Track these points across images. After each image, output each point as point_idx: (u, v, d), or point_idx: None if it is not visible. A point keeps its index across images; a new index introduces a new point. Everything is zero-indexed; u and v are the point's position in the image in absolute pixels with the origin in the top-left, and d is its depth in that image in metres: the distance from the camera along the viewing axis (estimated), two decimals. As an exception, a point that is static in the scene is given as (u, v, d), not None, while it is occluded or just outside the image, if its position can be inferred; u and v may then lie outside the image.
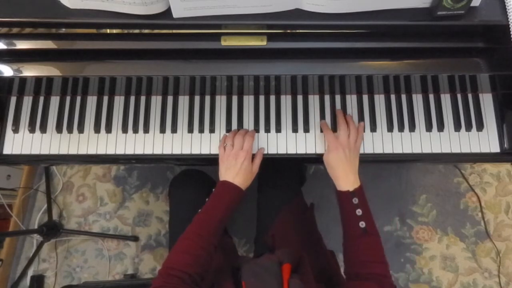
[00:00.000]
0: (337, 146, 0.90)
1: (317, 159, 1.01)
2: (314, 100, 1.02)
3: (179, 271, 0.75)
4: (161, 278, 0.76)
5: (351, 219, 0.84)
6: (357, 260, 0.82)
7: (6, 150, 1.01)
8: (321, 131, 0.99)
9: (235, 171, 0.90)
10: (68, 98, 1.03)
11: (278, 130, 1.00)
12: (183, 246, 0.81)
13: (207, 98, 1.02)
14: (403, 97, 1.02)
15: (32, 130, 1.02)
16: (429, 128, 0.99)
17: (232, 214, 0.89)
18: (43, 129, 1.02)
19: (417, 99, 1.01)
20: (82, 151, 1.00)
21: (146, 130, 1.01)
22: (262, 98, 1.02)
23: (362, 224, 0.82)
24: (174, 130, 1.00)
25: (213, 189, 0.91)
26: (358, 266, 0.81)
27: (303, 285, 0.75)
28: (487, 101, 1.01)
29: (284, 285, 0.75)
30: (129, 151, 1.00)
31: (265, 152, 0.99)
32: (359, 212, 0.83)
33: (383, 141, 0.99)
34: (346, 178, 0.87)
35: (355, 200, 0.84)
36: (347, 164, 0.88)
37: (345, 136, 0.91)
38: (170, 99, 1.02)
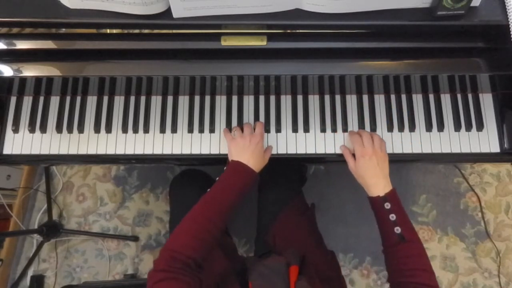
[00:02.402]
0: (363, 154, 0.88)
1: (317, 159, 1.01)
2: (314, 100, 1.02)
3: (184, 256, 0.73)
4: (164, 261, 0.73)
5: (386, 226, 0.81)
6: (397, 268, 0.79)
7: (6, 150, 1.01)
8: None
9: (250, 152, 0.86)
10: (68, 98, 1.03)
11: (278, 130, 1.00)
12: (189, 229, 0.77)
13: (207, 98, 1.02)
14: (403, 97, 1.02)
15: (32, 130, 1.02)
16: (429, 128, 0.99)
17: (243, 199, 0.85)
18: (43, 129, 1.02)
19: (417, 99, 1.01)
20: (82, 151, 1.00)
21: (146, 130, 1.01)
22: (262, 98, 1.02)
23: (397, 229, 0.79)
24: (174, 130, 1.00)
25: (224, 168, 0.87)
26: (398, 275, 0.78)
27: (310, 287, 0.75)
28: (487, 101, 1.01)
29: (291, 287, 0.74)
30: (129, 151, 1.00)
31: (265, 152, 0.99)
32: (392, 217, 0.80)
33: (383, 141, 0.99)
34: (376, 184, 0.85)
35: (387, 205, 0.82)
36: (375, 170, 0.86)
37: (370, 143, 0.90)
38: (170, 99, 1.02)
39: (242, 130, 0.95)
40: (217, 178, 0.85)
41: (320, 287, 0.83)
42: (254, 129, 0.95)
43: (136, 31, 0.84)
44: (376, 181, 0.85)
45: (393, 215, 0.81)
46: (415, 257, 0.78)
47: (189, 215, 0.79)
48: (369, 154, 0.88)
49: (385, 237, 0.82)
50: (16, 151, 1.01)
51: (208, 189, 0.84)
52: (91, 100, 1.03)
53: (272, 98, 1.02)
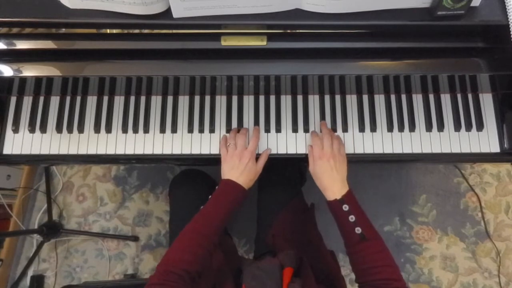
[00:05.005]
0: (321, 156, 0.89)
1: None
2: (314, 100, 1.02)
3: (178, 269, 0.75)
4: (159, 275, 0.75)
5: (346, 227, 0.82)
6: (361, 267, 0.80)
7: (6, 150, 1.01)
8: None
9: (240, 171, 0.89)
10: (68, 98, 1.03)
11: (278, 130, 1.00)
12: (183, 244, 0.80)
13: (207, 98, 1.02)
14: (403, 97, 1.01)
15: (32, 130, 1.02)
16: (429, 128, 0.99)
17: (234, 213, 0.88)
18: (43, 129, 1.02)
19: (417, 99, 1.01)
20: (82, 151, 1.00)
21: (146, 130, 1.01)
22: (262, 98, 1.02)
23: (358, 230, 0.80)
24: (174, 130, 1.00)
25: (216, 187, 0.90)
26: (364, 275, 0.79)
27: None
28: (487, 101, 1.01)
29: None
30: (129, 151, 1.00)
31: (265, 152, 0.99)
32: (352, 218, 0.81)
33: (383, 141, 0.99)
34: (332, 187, 0.86)
35: (346, 207, 0.83)
36: (331, 173, 0.87)
37: (329, 146, 0.91)
38: (170, 99, 1.02)
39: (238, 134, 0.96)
40: (210, 196, 0.89)
41: (315, 287, 0.83)
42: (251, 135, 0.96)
43: (136, 31, 0.84)
44: (332, 183, 0.86)
45: (352, 216, 0.82)
46: (377, 253, 0.79)
47: (183, 231, 0.82)
48: (326, 157, 0.89)
49: (347, 239, 0.83)
50: (16, 151, 1.01)
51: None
52: (91, 100, 1.03)
53: (272, 98, 1.02)
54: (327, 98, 1.02)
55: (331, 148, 0.90)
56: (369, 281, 0.78)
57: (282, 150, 0.99)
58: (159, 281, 0.73)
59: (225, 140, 0.96)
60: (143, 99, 1.03)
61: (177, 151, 1.00)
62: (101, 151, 1.00)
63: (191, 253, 0.78)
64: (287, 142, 1.00)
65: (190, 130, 1.01)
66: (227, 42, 0.83)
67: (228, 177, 0.89)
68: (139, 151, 1.00)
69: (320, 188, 0.89)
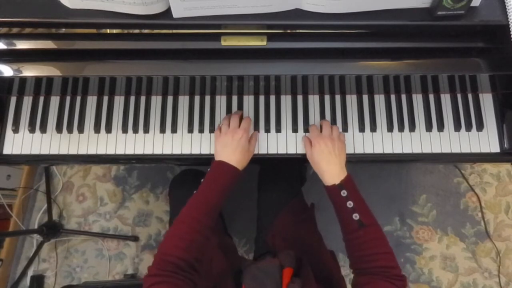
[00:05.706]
0: (319, 140, 0.89)
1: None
2: (314, 100, 1.02)
3: (174, 257, 0.74)
4: (156, 265, 0.74)
5: (344, 213, 0.82)
6: (359, 254, 0.79)
7: (6, 150, 1.01)
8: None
9: (232, 149, 0.88)
10: (68, 98, 1.03)
11: (278, 130, 1.00)
12: (178, 231, 0.79)
13: (207, 98, 1.02)
14: (403, 97, 1.02)
15: (32, 130, 1.02)
16: (429, 128, 0.99)
17: (229, 195, 0.86)
18: (43, 129, 1.02)
19: (417, 99, 1.01)
20: (82, 151, 1.00)
21: (146, 130, 1.01)
22: (262, 98, 1.02)
23: (355, 216, 0.79)
24: (174, 130, 1.00)
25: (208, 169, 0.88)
26: (361, 261, 0.79)
27: None
28: (487, 101, 1.01)
29: None
30: (129, 151, 1.00)
31: (265, 152, 0.99)
32: (350, 204, 0.81)
33: (383, 141, 0.99)
34: (330, 171, 0.85)
35: (344, 193, 0.82)
36: (330, 156, 0.86)
37: (327, 131, 0.91)
38: (170, 99, 1.02)
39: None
40: (202, 180, 0.86)
41: (315, 287, 0.83)
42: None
43: (136, 31, 0.84)
44: (331, 167, 0.85)
45: (350, 202, 0.81)
46: (375, 240, 0.79)
47: (178, 218, 0.81)
48: (324, 140, 0.88)
49: (344, 225, 0.82)
50: (16, 151, 1.01)
51: (195, 191, 0.85)
52: (91, 100, 1.03)
53: (272, 98, 1.02)
54: (327, 98, 1.02)
55: (330, 133, 0.91)
56: (366, 268, 0.77)
57: (282, 150, 0.99)
58: (156, 272, 0.73)
59: (219, 128, 0.96)
60: (143, 99, 1.03)
61: (177, 151, 1.00)
62: (101, 151, 1.00)
63: (186, 240, 0.77)
64: (287, 142, 1.00)
65: (190, 130, 1.01)
66: (227, 42, 0.83)
67: (221, 158, 0.87)
68: (139, 151, 1.00)
69: (318, 173, 0.88)
